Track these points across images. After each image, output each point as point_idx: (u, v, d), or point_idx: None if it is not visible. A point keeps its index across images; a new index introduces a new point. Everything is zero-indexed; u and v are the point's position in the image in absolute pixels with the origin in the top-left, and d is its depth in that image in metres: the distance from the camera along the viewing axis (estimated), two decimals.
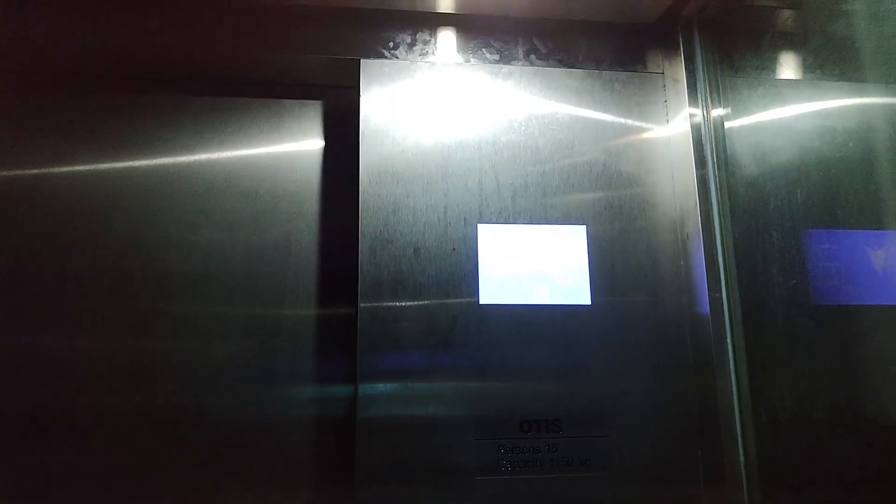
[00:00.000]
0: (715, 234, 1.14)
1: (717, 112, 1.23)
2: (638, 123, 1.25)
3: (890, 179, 1.24)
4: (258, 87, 1.29)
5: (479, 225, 1.15)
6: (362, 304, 1.09)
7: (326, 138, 1.28)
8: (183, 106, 1.26)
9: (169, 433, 1.12)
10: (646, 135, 1.25)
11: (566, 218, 1.17)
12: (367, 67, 1.20)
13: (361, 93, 1.18)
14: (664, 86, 1.28)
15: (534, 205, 1.17)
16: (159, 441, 1.11)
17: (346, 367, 1.15)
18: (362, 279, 1.10)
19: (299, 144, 1.28)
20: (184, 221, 1.21)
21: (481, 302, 1.12)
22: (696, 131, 1.21)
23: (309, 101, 1.30)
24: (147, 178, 1.22)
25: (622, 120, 1.24)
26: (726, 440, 1.06)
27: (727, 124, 1.25)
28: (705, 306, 1.13)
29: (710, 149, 1.22)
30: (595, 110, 1.24)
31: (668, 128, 1.26)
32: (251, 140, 1.26)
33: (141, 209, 1.20)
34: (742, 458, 1.05)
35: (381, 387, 1.06)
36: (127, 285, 1.17)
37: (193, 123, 1.26)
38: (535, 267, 1.14)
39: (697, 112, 1.21)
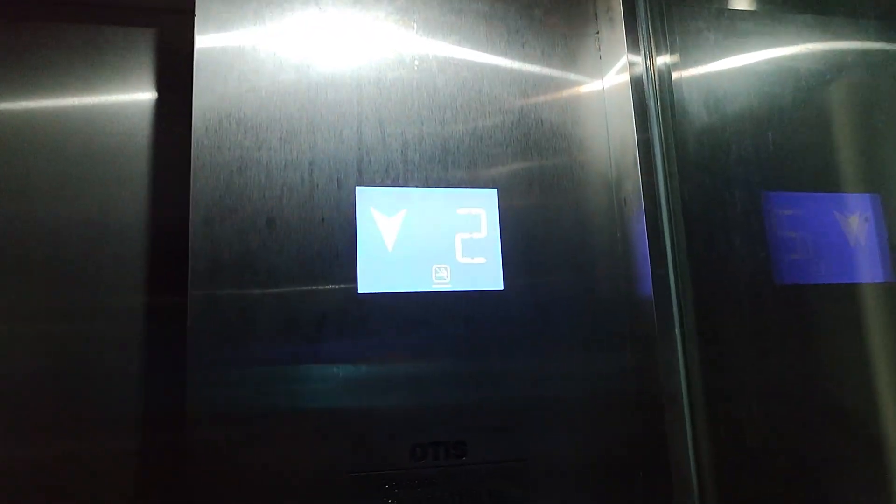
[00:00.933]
0: (659, 197, 0.90)
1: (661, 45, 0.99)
2: (564, 58, 0.99)
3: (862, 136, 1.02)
4: (70, 9, 0.97)
5: (357, 188, 0.87)
6: (193, 294, 0.79)
7: (160, 79, 0.97)
8: None
9: None
10: (574, 74, 0.99)
11: (472, 179, 0.91)
12: None
13: (196, 10, 0.87)
14: (595, 14, 1.03)
15: (431, 161, 0.90)
16: None
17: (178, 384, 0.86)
18: (193, 261, 0.80)
19: (124, 87, 0.96)
20: None
21: (360, 290, 0.84)
22: (636, 76, 0.96)
23: (138, 30, 0.98)
24: None
25: (544, 54, 0.98)
26: (676, 459, 0.83)
27: (673, 59, 1.01)
28: (647, 287, 0.89)
29: (652, 90, 0.97)
30: (509, 43, 0.97)
31: (601, 64, 1.00)
32: (59, 80, 0.94)
33: None
34: (695, 485, 0.82)
35: (218, 409, 0.78)
36: None
37: None
38: (431, 243, 0.87)
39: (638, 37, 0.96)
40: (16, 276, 0.88)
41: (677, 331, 0.88)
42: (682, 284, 0.90)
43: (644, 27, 0.98)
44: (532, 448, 0.85)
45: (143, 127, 0.95)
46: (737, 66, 1.07)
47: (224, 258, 0.81)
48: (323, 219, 0.85)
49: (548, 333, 0.89)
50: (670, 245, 0.90)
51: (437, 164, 0.89)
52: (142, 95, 0.96)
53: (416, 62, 0.93)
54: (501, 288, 0.88)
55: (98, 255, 0.89)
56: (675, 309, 0.89)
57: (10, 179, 0.90)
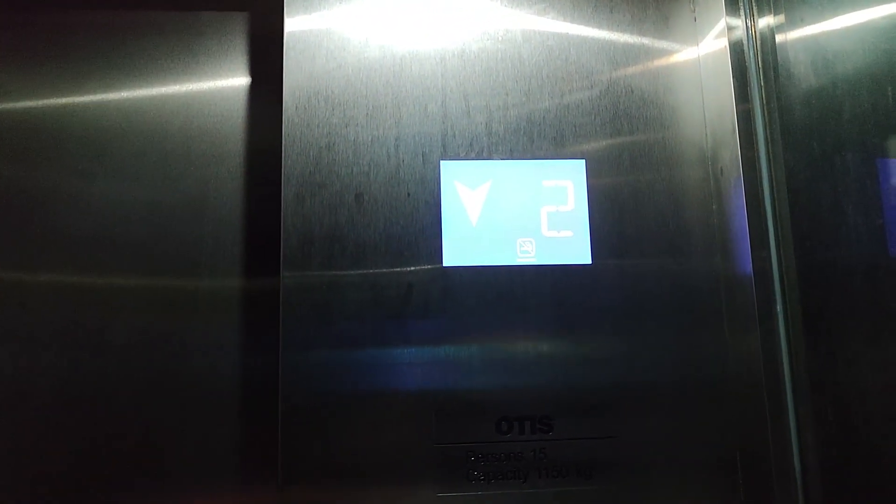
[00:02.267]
0: (760, 165, 0.84)
1: None
2: (656, 23, 0.94)
3: None
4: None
5: (442, 162, 0.87)
6: (286, 270, 0.82)
7: (252, 60, 1.00)
8: (72, 26, 0.99)
9: (54, 430, 0.88)
10: (666, 39, 0.94)
11: (559, 151, 0.88)
12: None
13: None
14: None
15: (516, 133, 0.88)
16: (41, 438, 0.88)
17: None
18: (286, 236, 0.83)
19: (220, 69, 1.00)
20: (73, 169, 0.95)
21: (446, 264, 0.84)
22: (736, 41, 0.90)
23: (231, 13, 1.01)
24: (27, 117, 0.96)
25: (634, 19, 0.94)
26: (777, 452, 0.78)
27: (777, 20, 0.94)
28: (747, 264, 0.84)
29: (753, 55, 0.91)
30: (597, 9, 0.93)
31: (697, 28, 0.95)
32: (159, 64, 0.99)
33: (18, 156, 0.95)
34: (799, 477, 0.77)
35: (311, 378, 0.80)
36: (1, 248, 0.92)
37: (85, 46, 0.99)
38: (517, 215, 0.86)
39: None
40: (122, 254, 0.94)
41: (779, 312, 0.83)
42: (784, 261, 0.84)
43: None
44: (621, 427, 0.83)
45: (238, 108, 0.98)
46: (850, 23, 0.98)
47: (314, 234, 0.84)
48: (409, 193, 0.85)
49: (638, 311, 0.86)
50: (772, 217, 0.85)
51: (523, 136, 0.88)
52: (236, 76, 1.00)
53: (501, 33, 0.91)
54: (589, 262, 0.85)
55: (198, 231, 0.94)
56: (776, 287, 0.84)
57: (117, 161, 0.96)
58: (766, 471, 0.80)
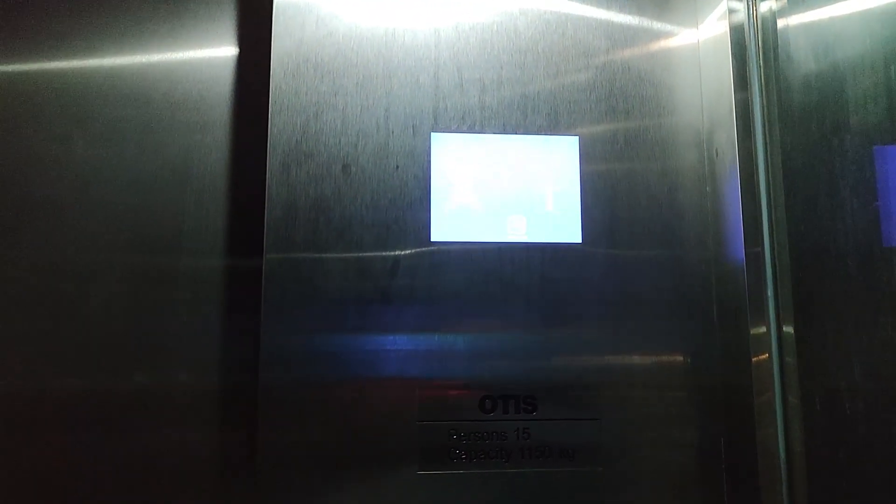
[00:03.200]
0: (756, 147, 0.83)
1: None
2: (654, 0, 0.92)
3: None
4: None
5: (433, 134, 0.85)
6: (269, 239, 0.80)
7: (240, 26, 0.97)
8: None
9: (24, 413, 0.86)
10: (665, 17, 0.92)
11: (553, 126, 0.86)
12: None
13: None
14: None
15: (509, 107, 0.86)
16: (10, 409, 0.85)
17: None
18: (270, 206, 0.81)
19: (207, 35, 0.97)
20: (52, 134, 0.92)
21: (433, 238, 0.82)
22: (737, 24, 0.88)
23: None
24: (3, 81, 0.93)
25: None
26: (763, 433, 0.78)
27: (779, 4, 0.92)
28: (739, 249, 0.83)
29: (754, 39, 0.89)
30: None
31: (696, 7, 0.93)
32: (143, 27, 0.96)
33: None
34: (783, 463, 0.76)
35: (290, 353, 0.79)
36: None
37: (66, 6, 0.96)
38: (508, 192, 0.84)
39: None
40: (104, 218, 0.91)
41: (770, 297, 0.82)
42: (778, 246, 0.83)
43: None
44: (606, 409, 0.82)
45: (224, 74, 0.96)
46: (851, 8, 0.97)
47: (299, 204, 0.82)
48: (397, 166, 0.83)
49: (627, 292, 0.84)
50: (766, 201, 0.83)
51: (516, 111, 0.86)
52: (223, 42, 0.97)
53: (497, 4, 0.89)
54: (580, 241, 0.84)
55: (181, 200, 0.92)
56: (768, 273, 0.82)
57: (98, 126, 0.93)
58: (750, 458, 0.79)
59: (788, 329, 0.81)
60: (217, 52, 0.96)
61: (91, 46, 0.95)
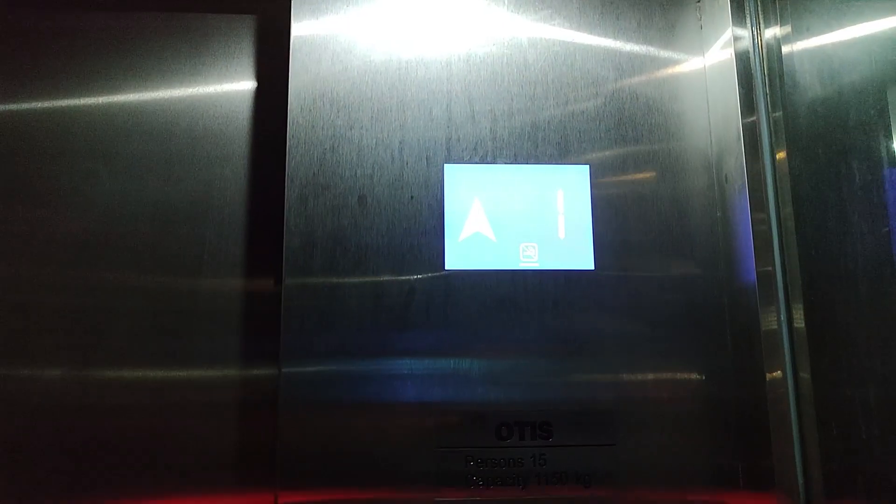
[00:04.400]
0: (765, 172, 0.84)
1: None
2: (662, 30, 0.94)
3: None
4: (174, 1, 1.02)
5: (446, 165, 0.87)
6: (288, 270, 0.82)
7: (259, 62, 1.01)
8: (77, 29, 1.00)
9: (55, 431, 0.88)
10: (672, 47, 0.94)
11: (564, 155, 0.88)
12: None
13: None
14: None
15: (520, 138, 0.88)
16: (41, 434, 0.87)
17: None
18: (289, 237, 0.83)
19: (227, 71, 1.00)
20: (79, 169, 0.96)
21: (448, 267, 0.84)
22: (742, 51, 0.90)
23: (239, 16, 1.02)
24: (34, 118, 0.97)
25: (640, 26, 0.94)
26: (780, 462, 0.77)
27: (783, 30, 0.94)
28: (750, 272, 0.83)
29: (759, 65, 0.91)
30: (603, 15, 0.93)
31: (703, 37, 0.95)
32: (165, 66, 1.00)
33: (26, 155, 0.95)
34: (801, 486, 0.76)
35: (310, 380, 0.80)
36: (4, 246, 0.92)
37: (92, 47, 1.00)
38: (520, 220, 0.86)
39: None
40: (128, 248, 0.94)
41: (783, 321, 0.82)
42: (789, 269, 0.84)
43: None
44: (621, 435, 0.82)
45: (243, 109, 0.99)
46: (855, 34, 0.98)
47: (317, 235, 0.84)
48: (412, 196, 0.85)
49: (640, 318, 0.85)
50: (776, 225, 0.84)
51: (527, 141, 0.88)
52: (241, 78, 1.00)
53: (507, 38, 0.91)
54: (592, 268, 0.85)
55: (202, 230, 0.94)
56: (780, 296, 0.83)
57: (123, 161, 0.96)
58: (767, 478, 0.79)
59: (802, 350, 0.81)
60: (236, 87, 1.00)
61: (115, 86, 0.99)
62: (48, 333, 0.91)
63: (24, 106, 0.97)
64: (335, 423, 0.80)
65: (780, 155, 0.85)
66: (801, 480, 0.78)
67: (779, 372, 0.79)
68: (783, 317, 0.82)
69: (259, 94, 0.99)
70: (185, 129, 0.98)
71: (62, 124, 0.97)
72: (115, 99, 0.99)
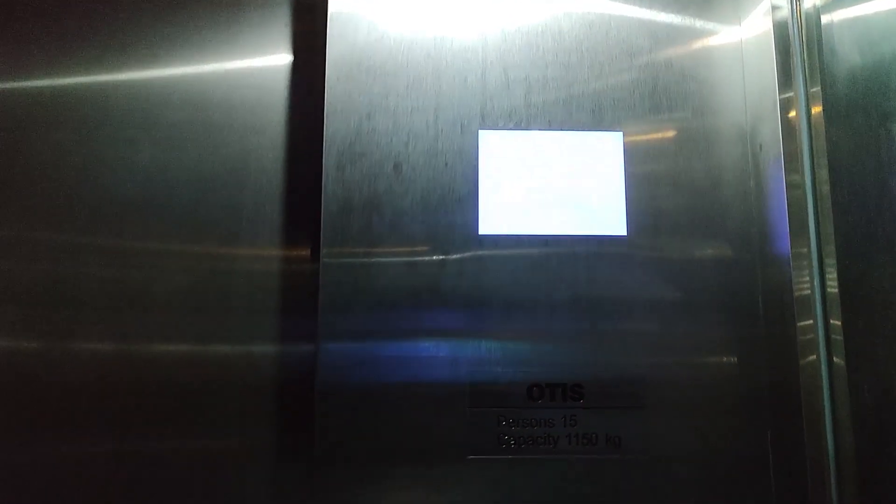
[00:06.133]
0: (801, 140, 0.84)
1: None
2: None
3: None
4: None
5: (480, 132, 0.88)
6: (325, 236, 0.84)
7: (295, 32, 1.02)
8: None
9: (95, 393, 0.92)
10: (708, 14, 0.93)
11: (597, 122, 0.89)
12: None
13: None
14: None
15: (554, 105, 0.89)
16: (78, 400, 0.91)
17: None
18: (326, 203, 0.85)
19: (263, 40, 1.02)
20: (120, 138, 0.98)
21: (481, 232, 0.86)
22: (780, 21, 0.89)
23: None
24: (75, 90, 1.00)
25: None
26: (811, 431, 0.78)
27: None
28: (785, 244, 0.84)
29: (798, 36, 0.90)
30: None
31: (739, 4, 0.94)
32: (202, 35, 1.02)
33: (68, 125, 0.98)
34: (832, 462, 0.77)
35: (346, 345, 0.83)
36: (51, 213, 0.96)
37: (130, 20, 1.02)
38: (553, 186, 0.87)
39: None
40: (168, 215, 0.97)
41: (817, 291, 0.82)
42: (824, 240, 0.84)
43: None
44: (652, 399, 0.83)
45: (280, 78, 1.00)
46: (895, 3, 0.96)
47: (354, 201, 0.85)
48: (447, 163, 0.87)
49: (671, 285, 0.86)
50: (811, 195, 0.84)
51: (561, 108, 0.88)
52: (278, 47, 1.01)
53: (541, 7, 0.91)
54: (624, 234, 0.86)
55: (240, 198, 0.97)
56: (815, 267, 0.83)
57: (162, 130, 0.99)
58: (798, 454, 0.80)
59: (836, 323, 0.81)
60: (273, 57, 1.01)
61: (154, 55, 1.01)
62: (89, 295, 0.94)
63: (67, 81, 1.00)
64: (368, 383, 0.82)
65: (818, 123, 0.84)
66: (832, 455, 0.79)
67: (811, 334, 0.80)
68: (817, 287, 0.82)
69: (296, 63, 1.01)
70: (221, 98, 1.00)
71: (103, 94, 1.00)
72: (154, 71, 1.01)
